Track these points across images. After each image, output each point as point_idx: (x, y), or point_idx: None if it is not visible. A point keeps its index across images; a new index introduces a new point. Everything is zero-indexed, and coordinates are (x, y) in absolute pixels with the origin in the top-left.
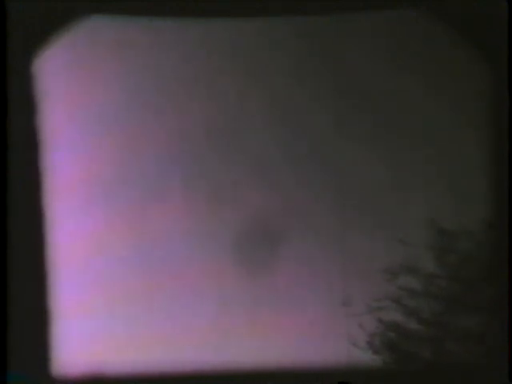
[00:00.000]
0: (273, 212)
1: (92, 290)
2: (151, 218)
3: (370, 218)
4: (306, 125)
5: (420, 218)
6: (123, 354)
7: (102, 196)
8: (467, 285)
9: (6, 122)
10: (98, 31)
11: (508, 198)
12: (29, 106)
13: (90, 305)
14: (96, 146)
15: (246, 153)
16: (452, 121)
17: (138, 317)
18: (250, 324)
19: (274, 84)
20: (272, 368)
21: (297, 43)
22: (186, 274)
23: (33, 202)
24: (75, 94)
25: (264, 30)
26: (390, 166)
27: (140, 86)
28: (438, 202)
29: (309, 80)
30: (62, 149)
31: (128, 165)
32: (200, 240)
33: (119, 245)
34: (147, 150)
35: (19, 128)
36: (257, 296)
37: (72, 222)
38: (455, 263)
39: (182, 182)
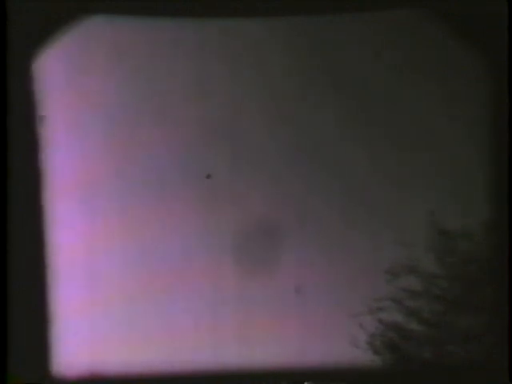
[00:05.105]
0: (273, 212)
1: (91, 290)
2: (151, 219)
3: (371, 219)
4: (306, 125)
5: (421, 219)
6: (122, 354)
7: (102, 196)
8: (468, 285)
9: (6, 122)
10: (97, 31)
11: (508, 198)
12: (29, 106)
13: (90, 305)
14: (96, 146)
15: (246, 153)
16: (452, 121)
17: (137, 317)
18: (250, 324)
19: (274, 84)
20: (272, 368)
21: (297, 43)
22: (185, 274)
23: (33, 202)
24: (75, 93)
25: (264, 30)
26: (391, 166)
27: (139, 86)
28: (439, 202)
29: (309, 80)
30: (61, 149)
31: (128, 165)
32: (200, 240)
33: (119, 245)
34: (147, 150)
35: (19, 128)
36: (257, 296)
37: (72, 221)
38: (456, 264)
39: (182, 181)
